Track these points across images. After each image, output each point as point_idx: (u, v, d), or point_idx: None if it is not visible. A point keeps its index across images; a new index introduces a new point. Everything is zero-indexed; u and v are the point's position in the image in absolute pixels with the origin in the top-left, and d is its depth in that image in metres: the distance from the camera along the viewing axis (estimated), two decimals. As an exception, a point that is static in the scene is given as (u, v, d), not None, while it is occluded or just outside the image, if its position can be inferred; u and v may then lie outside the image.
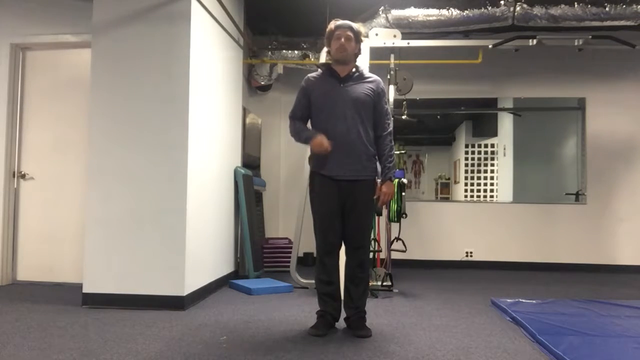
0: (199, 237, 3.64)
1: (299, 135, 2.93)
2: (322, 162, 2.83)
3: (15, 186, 4.32)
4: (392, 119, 3.01)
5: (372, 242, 4.10)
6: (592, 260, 5.55)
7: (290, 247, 4.55)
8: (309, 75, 2.99)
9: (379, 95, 2.89)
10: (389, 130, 2.91)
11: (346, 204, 2.84)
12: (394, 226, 4.06)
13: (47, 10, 4.27)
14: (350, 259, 2.89)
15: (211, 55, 3.94)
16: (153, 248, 3.38)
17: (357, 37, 2.89)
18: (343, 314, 2.91)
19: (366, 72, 2.96)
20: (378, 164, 2.93)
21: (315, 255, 3.82)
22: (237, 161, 4.84)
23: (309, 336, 2.71)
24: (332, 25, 2.91)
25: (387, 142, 2.90)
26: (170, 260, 3.36)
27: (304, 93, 2.93)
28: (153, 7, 3.46)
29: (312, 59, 5.17)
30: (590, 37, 4.23)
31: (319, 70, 2.99)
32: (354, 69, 2.91)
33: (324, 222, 2.85)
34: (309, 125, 2.97)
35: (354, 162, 2.81)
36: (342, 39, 2.83)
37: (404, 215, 3.94)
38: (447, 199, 6.15)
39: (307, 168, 3.23)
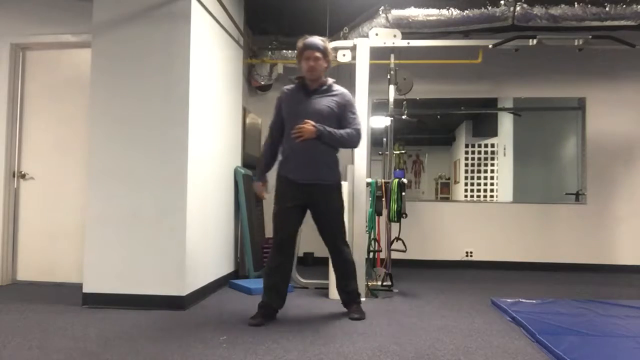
0: (199, 237, 3.64)
1: (259, 161, 3.29)
2: (287, 167, 3.11)
3: (15, 186, 4.32)
4: (361, 127, 3.20)
5: (372, 242, 4.10)
6: (592, 260, 5.54)
7: (290, 247, 4.54)
8: (284, 87, 3.22)
9: (344, 107, 3.11)
10: (357, 128, 3.12)
11: (309, 205, 3.11)
12: (394, 226, 4.05)
13: (47, 10, 4.27)
14: (331, 253, 3.20)
15: (211, 55, 3.94)
16: (153, 248, 3.37)
17: (325, 54, 3.08)
18: (340, 307, 2.92)
19: (335, 85, 3.16)
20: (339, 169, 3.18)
21: (314, 254, 3.77)
22: (237, 161, 4.84)
23: (309, 336, 2.71)
24: (300, 43, 3.08)
25: (350, 129, 3.08)
26: (170, 260, 3.36)
27: (279, 105, 3.18)
28: (153, 7, 3.46)
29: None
30: (590, 37, 4.23)
31: (294, 83, 3.19)
32: (322, 83, 3.10)
33: (279, 216, 3.12)
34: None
35: (312, 171, 3.05)
36: (311, 61, 3.03)
37: (404, 215, 3.94)
38: (447, 199, 6.14)
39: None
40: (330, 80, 3.16)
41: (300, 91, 3.12)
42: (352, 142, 3.13)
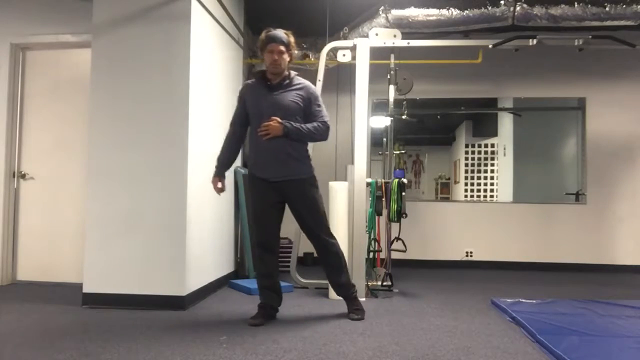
0: (199, 237, 3.64)
1: (219, 157, 3.17)
2: (256, 166, 3.04)
3: (15, 186, 4.32)
4: (328, 119, 3.13)
5: (372, 242, 4.10)
6: (592, 260, 5.54)
7: (290, 247, 4.55)
8: (246, 82, 3.16)
9: (309, 100, 3.03)
10: (324, 121, 3.04)
11: (285, 202, 3.05)
12: (394, 226, 4.05)
13: (47, 10, 4.27)
14: (316, 248, 3.12)
15: (211, 55, 3.94)
16: (153, 248, 3.38)
17: (289, 48, 3.01)
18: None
19: (297, 78, 3.06)
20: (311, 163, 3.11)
21: (313, 255, 3.69)
22: (237, 161, 4.82)
23: (309, 336, 2.71)
24: (263, 36, 3.00)
25: (317, 123, 3.02)
26: (170, 260, 3.36)
27: (240, 101, 3.10)
28: (153, 7, 3.46)
29: (312, 59, 5.17)
30: (590, 37, 4.22)
31: (254, 78, 3.12)
32: (284, 77, 3.01)
33: (257, 219, 3.07)
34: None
35: (283, 168, 2.98)
36: (275, 54, 2.94)
37: (404, 215, 3.93)
38: (447, 199, 6.14)
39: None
40: (293, 73, 3.07)
41: (262, 86, 3.02)
42: (321, 136, 3.05)
